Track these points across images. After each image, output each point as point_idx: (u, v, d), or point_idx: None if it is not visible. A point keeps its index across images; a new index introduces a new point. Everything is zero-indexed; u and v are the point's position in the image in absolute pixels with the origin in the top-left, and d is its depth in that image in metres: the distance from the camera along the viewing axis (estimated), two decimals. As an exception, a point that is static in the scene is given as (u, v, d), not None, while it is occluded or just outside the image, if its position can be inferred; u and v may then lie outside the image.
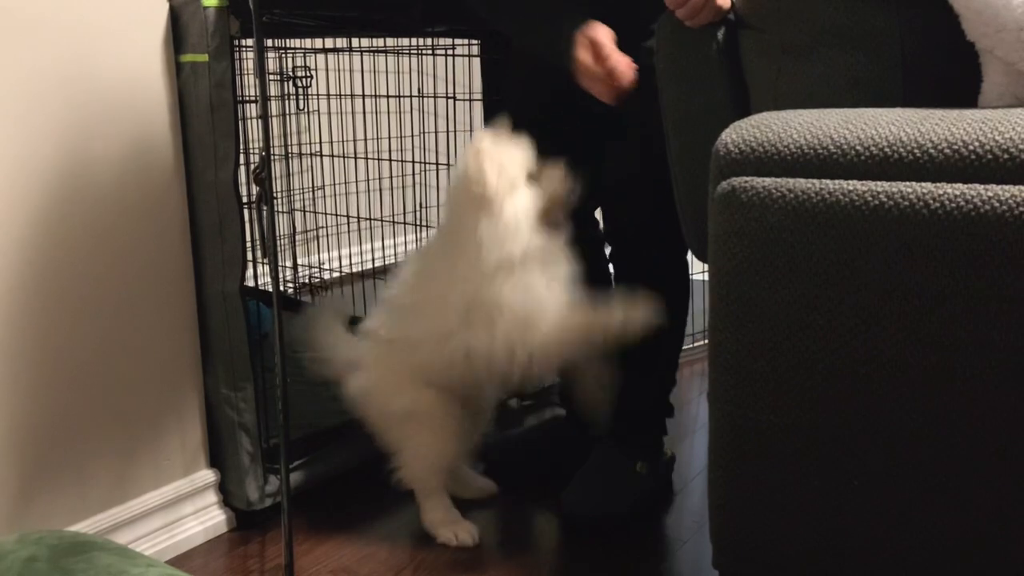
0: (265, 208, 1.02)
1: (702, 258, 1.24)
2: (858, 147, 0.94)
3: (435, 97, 2.33)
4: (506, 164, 1.38)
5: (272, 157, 1.02)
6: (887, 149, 0.93)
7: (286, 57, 2.65)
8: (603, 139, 1.61)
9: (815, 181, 0.94)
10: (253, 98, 1.62)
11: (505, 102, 1.73)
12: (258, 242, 1.61)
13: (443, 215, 1.53)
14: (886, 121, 0.96)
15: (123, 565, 0.93)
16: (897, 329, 0.93)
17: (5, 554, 0.92)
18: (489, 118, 1.94)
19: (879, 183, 0.91)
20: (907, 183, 0.90)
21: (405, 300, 1.52)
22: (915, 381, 0.93)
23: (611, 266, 1.71)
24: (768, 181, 0.96)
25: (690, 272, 1.70)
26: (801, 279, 0.96)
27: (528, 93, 1.71)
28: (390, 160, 2.87)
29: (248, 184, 1.50)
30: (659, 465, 1.73)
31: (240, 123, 1.49)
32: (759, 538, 1.06)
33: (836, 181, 0.93)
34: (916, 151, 0.91)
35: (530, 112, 1.60)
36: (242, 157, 1.50)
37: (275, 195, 1.09)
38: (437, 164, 2.47)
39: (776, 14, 1.26)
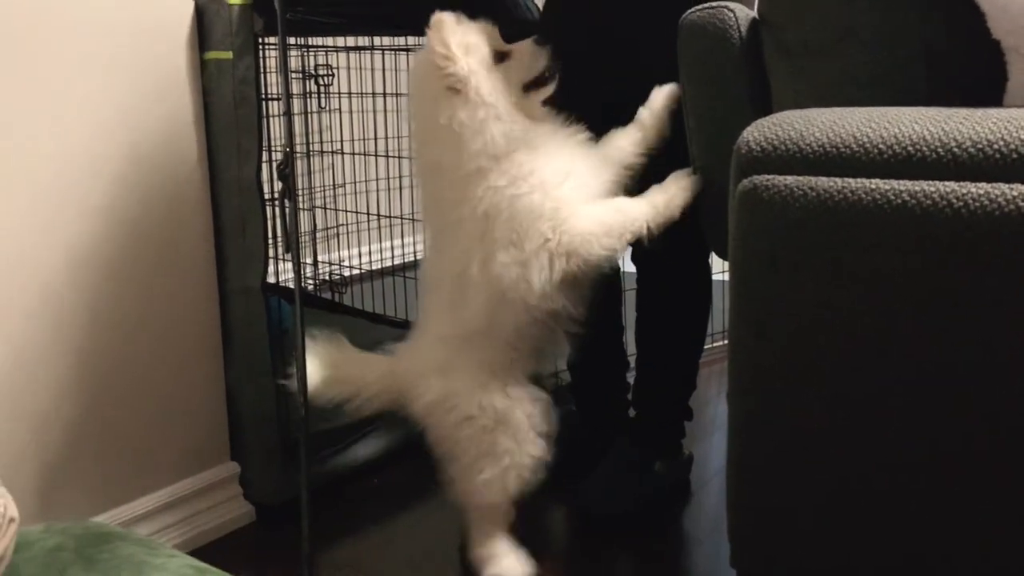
0: (288, 204, 1.02)
1: (723, 256, 1.24)
2: (881, 145, 0.93)
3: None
4: (472, 41, 1.23)
5: (295, 154, 1.02)
6: (910, 148, 0.92)
7: (308, 55, 2.66)
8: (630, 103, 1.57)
9: (837, 179, 0.94)
10: (276, 96, 1.63)
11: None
12: (280, 238, 1.62)
13: (413, 129, 1.35)
14: (909, 120, 0.95)
15: (145, 556, 0.94)
16: (918, 328, 0.92)
17: (31, 543, 0.93)
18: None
19: (902, 182, 0.91)
20: (930, 182, 0.89)
21: (435, 279, 1.37)
22: (936, 381, 0.92)
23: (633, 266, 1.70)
24: (790, 179, 0.96)
25: (711, 274, 1.69)
26: (822, 277, 0.96)
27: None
28: (411, 158, 2.88)
29: (271, 181, 1.51)
30: (677, 464, 1.73)
31: (263, 120, 1.50)
32: (776, 538, 1.06)
33: (858, 179, 0.93)
34: (940, 150, 0.90)
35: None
36: (265, 154, 1.51)
37: (297, 192, 1.10)
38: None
39: (798, 13, 1.25)
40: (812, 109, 1.06)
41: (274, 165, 1.20)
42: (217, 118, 1.46)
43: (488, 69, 1.24)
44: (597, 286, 1.48)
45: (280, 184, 1.03)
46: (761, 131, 1.01)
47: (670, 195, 1.31)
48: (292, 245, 1.02)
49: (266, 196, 1.52)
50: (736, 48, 1.27)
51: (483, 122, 1.22)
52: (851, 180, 0.93)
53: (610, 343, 1.80)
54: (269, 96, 1.48)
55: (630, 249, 1.71)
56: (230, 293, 1.53)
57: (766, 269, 0.99)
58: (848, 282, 0.94)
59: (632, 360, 1.81)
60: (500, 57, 1.27)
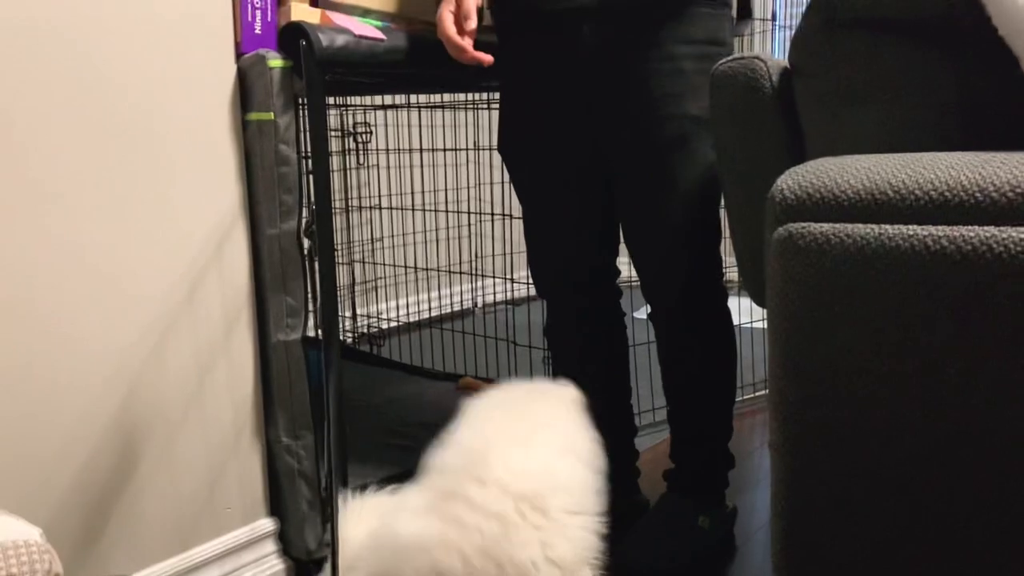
0: (317, 260, 1.04)
1: (761, 304, 1.23)
2: (917, 191, 0.93)
3: (491, 150, 2.37)
4: None
5: (333, 211, 1.05)
6: (947, 193, 0.91)
7: (347, 114, 2.73)
8: (613, 170, 1.60)
9: (874, 226, 0.93)
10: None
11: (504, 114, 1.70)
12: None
13: None
14: (945, 165, 0.95)
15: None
16: (961, 376, 0.90)
17: None
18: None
19: (939, 227, 0.90)
20: (969, 227, 0.88)
21: None
22: (980, 431, 0.90)
23: (649, 321, 1.69)
24: (826, 227, 0.95)
25: (733, 320, 1.68)
26: (861, 325, 0.95)
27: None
28: (447, 211, 2.92)
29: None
30: (721, 518, 1.70)
31: (303, 178, 1.54)
32: (825, 593, 1.03)
33: (895, 226, 0.92)
34: (978, 194, 0.89)
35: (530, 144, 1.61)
36: (305, 212, 1.54)
37: (336, 247, 1.12)
38: (492, 214, 2.50)
39: (830, 60, 1.26)
40: (847, 156, 1.06)
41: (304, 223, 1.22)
42: (258, 176, 1.50)
43: None
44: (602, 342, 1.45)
45: (308, 242, 1.05)
46: (795, 179, 1.01)
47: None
48: (321, 300, 1.04)
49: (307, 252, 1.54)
50: (768, 97, 1.28)
51: None
52: (888, 227, 0.93)
53: (618, 408, 1.78)
54: (309, 155, 1.52)
55: (643, 303, 1.71)
56: (271, 348, 1.55)
57: (804, 317, 0.98)
58: (887, 329, 0.93)
59: (638, 418, 1.81)
60: None
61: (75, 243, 1.29)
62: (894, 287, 0.92)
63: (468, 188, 2.93)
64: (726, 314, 1.65)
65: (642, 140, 1.52)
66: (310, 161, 1.48)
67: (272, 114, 1.47)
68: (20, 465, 1.25)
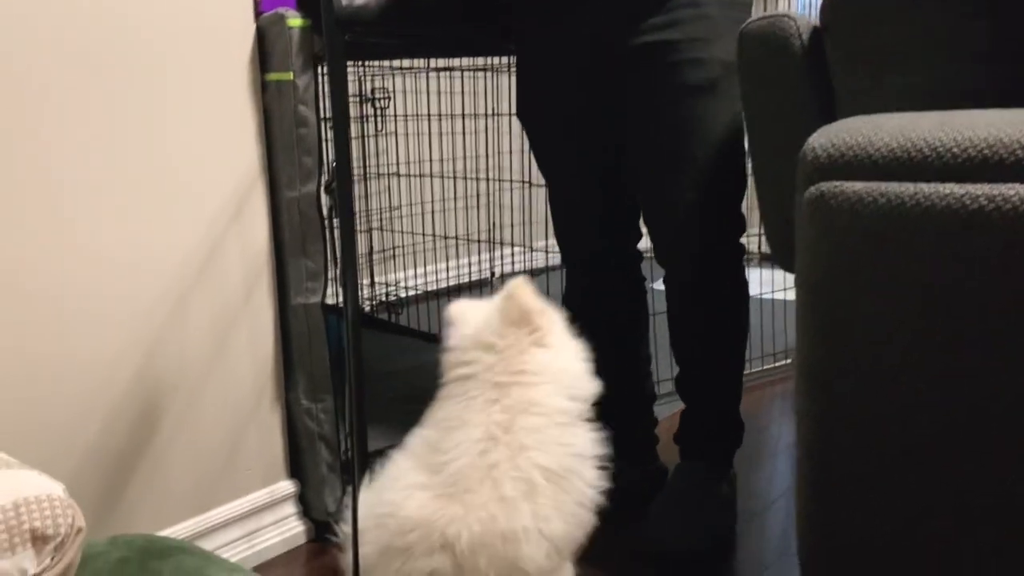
0: (336, 218, 1.01)
1: (789, 269, 1.20)
2: (955, 149, 0.90)
3: (511, 115, 2.34)
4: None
5: (351, 176, 1.02)
6: (986, 150, 0.89)
7: (365, 79, 2.71)
8: (629, 142, 1.56)
9: (909, 184, 0.90)
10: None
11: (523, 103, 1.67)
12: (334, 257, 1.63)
13: None
14: (984, 123, 0.92)
15: (209, 569, 0.94)
16: (997, 340, 0.88)
17: (97, 555, 0.95)
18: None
19: (978, 185, 0.87)
20: (1009, 184, 0.86)
21: None
22: (1015, 396, 0.88)
23: (663, 285, 1.67)
24: (859, 185, 0.93)
25: (752, 290, 1.65)
26: (893, 288, 0.92)
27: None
28: (466, 178, 2.90)
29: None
30: (734, 483, 1.69)
31: (324, 142, 1.52)
32: (850, 561, 1.02)
33: (931, 184, 0.90)
34: (1019, 151, 0.87)
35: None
36: (325, 176, 1.53)
37: (353, 213, 1.10)
38: (511, 181, 2.48)
39: (861, 21, 1.23)
40: (879, 114, 1.03)
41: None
42: (278, 138, 1.48)
43: None
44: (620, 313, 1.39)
45: (328, 201, 1.03)
46: (827, 137, 0.98)
47: None
48: (343, 261, 1.02)
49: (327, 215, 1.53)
50: (798, 56, 1.25)
51: None
52: (924, 185, 0.90)
53: (636, 375, 1.76)
54: (328, 117, 1.50)
55: (660, 269, 1.67)
56: (291, 311, 1.55)
57: (835, 279, 0.96)
58: (921, 291, 0.91)
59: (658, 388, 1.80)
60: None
61: (92, 206, 1.28)
62: (930, 247, 0.89)
63: (487, 156, 2.91)
64: (743, 280, 1.62)
65: (667, 83, 1.46)
66: (330, 126, 1.46)
67: (291, 74, 1.45)
68: (41, 427, 1.25)
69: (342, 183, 1.03)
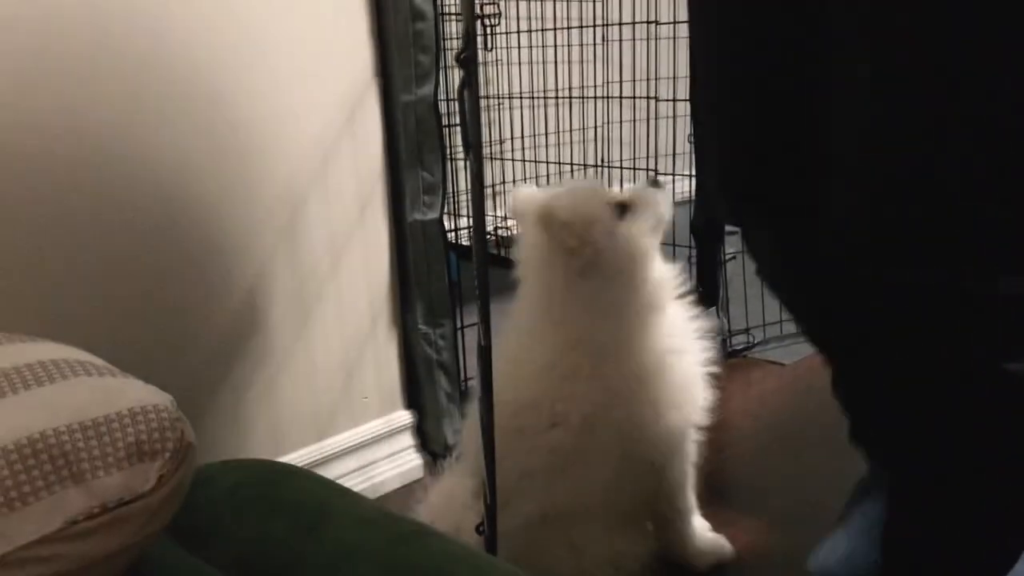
0: (468, 96, 0.87)
1: None
2: None
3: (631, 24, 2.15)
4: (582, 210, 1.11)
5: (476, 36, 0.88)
6: None
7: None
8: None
9: None
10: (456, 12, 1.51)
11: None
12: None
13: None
14: None
15: (328, 496, 0.86)
16: None
17: (212, 479, 0.88)
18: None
19: None
20: None
21: None
22: None
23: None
24: None
25: None
26: None
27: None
28: (582, 97, 2.73)
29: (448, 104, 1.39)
30: None
31: (442, 40, 1.38)
32: None
33: None
34: None
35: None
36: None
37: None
38: (661, 99, 2.29)
39: None
40: None
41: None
42: (392, 34, 1.35)
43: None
44: None
45: (461, 74, 0.88)
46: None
47: None
48: (472, 148, 0.88)
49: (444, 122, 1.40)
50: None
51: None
52: None
53: None
54: (449, 12, 1.36)
55: None
56: (407, 228, 1.43)
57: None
58: None
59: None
60: (622, 210, 1.13)
61: (207, 119, 1.19)
62: None
63: (595, 86, 2.73)
64: None
65: None
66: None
67: (408, -36, 1.31)
68: (153, 342, 1.17)
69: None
